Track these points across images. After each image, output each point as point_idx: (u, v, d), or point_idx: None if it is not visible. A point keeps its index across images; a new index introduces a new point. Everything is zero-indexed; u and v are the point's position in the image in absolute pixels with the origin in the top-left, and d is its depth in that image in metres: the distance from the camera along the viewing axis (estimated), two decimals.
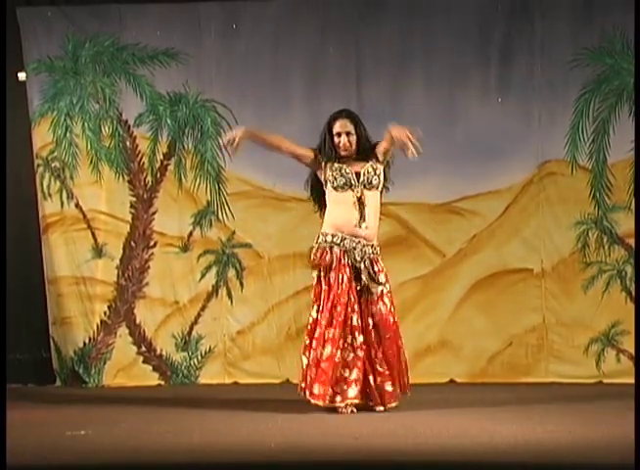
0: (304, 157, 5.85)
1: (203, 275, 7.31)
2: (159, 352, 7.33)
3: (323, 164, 5.80)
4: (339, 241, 5.74)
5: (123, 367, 7.32)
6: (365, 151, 5.83)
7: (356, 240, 5.74)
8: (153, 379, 7.31)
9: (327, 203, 5.83)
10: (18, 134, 7.26)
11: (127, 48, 7.28)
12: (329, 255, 5.71)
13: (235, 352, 7.29)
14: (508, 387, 6.91)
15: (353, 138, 5.81)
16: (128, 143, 7.34)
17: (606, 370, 7.06)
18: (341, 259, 5.70)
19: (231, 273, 7.31)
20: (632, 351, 6.97)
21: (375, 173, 5.80)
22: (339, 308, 5.64)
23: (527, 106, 7.14)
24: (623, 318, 7.03)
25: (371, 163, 5.82)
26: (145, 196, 7.34)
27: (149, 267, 7.34)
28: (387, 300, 5.73)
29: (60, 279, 7.33)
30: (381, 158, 5.83)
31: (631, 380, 6.47)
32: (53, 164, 7.34)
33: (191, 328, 7.32)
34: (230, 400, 5.70)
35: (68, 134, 7.32)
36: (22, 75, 7.32)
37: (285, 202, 7.21)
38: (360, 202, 5.73)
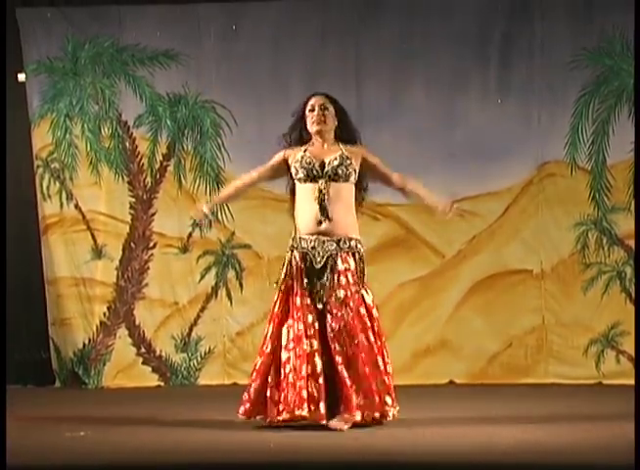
0: (278, 163, 5.34)
1: (202, 276, 7.31)
2: (158, 353, 7.32)
3: (289, 157, 5.30)
4: (296, 244, 5.24)
5: (123, 368, 7.32)
6: (344, 137, 5.31)
7: (316, 239, 5.19)
8: (152, 380, 7.31)
9: (294, 199, 5.36)
10: (17, 135, 7.26)
11: (127, 49, 7.28)
12: (286, 266, 5.22)
13: (234, 353, 7.29)
14: (507, 388, 6.91)
15: (329, 113, 5.28)
16: (128, 144, 7.34)
17: (605, 371, 7.06)
18: (298, 265, 5.20)
19: (230, 274, 7.31)
20: (632, 352, 6.97)
21: (342, 163, 5.24)
22: (292, 323, 5.16)
23: (527, 107, 7.14)
24: (623, 319, 7.03)
25: (344, 151, 5.29)
26: (144, 197, 7.34)
27: (148, 268, 7.34)
28: (352, 303, 5.15)
29: (59, 280, 7.33)
30: (356, 166, 5.30)
31: (631, 381, 6.46)
32: (52, 165, 7.34)
33: (190, 329, 7.32)
34: (229, 401, 5.69)
35: (67, 135, 7.32)
36: (21, 76, 7.32)
37: (284, 203, 7.14)
38: (321, 194, 5.19)
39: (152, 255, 7.34)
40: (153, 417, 5.70)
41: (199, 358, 7.30)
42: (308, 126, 5.32)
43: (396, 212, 7.23)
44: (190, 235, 7.32)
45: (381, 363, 5.21)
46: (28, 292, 7.35)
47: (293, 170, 5.30)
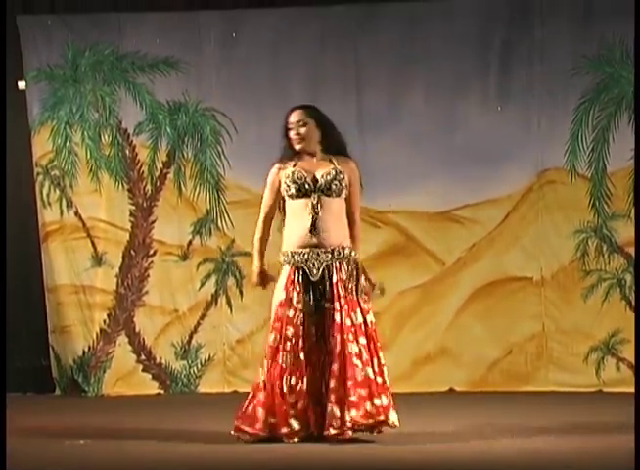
0: (277, 182, 5.19)
1: (202, 284, 7.31)
2: (158, 360, 7.32)
3: (281, 172, 5.19)
4: (288, 259, 5.15)
5: (123, 376, 7.31)
6: (332, 149, 5.20)
7: (310, 251, 5.11)
8: (152, 387, 7.30)
9: (285, 214, 5.24)
10: (17, 143, 7.26)
11: (127, 57, 7.28)
12: (281, 279, 5.13)
13: (234, 361, 7.28)
14: (507, 395, 6.90)
15: (308, 128, 5.15)
16: (128, 151, 7.34)
17: (605, 379, 7.05)
18: (297, 279, 5.11)
19: (231, 282, 7.31)
20: (632, 359, 6.96)
21: (336, 178, 5.14)
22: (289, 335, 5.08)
23: (527, 114, 7.14)
24: (623, 327, 7.02)
25: (336, 166, 5.18)
26: (144, 204, 7.34)
27: (148, 276, 7.34)
28: (337, 316, 5.04)
29: (59, 287, 7.33)
30: (347, 181, 5.20)
31: (631, 389, 6.45)
32: (52, 173, 7.35)
33: (190, 337, 7.31)
34: (229, 409, 5.68)
35: (67, 143, 7.33)
36: (21, 84, 7.33)
37: None
38: (314, 209, 5.10)
39: (152, 262, 7.34)
40: (152, 425, 5.69)
41: (199, 366, 7.30)
42: (292, 144, 5.23)
43: (396, 220, 7.23)
44: (190, 243, 7.32)
45: (371, 373, 5.07)
46: (28, 299, 7.35)
47: (284, 186, 5.18)
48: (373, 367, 5.08)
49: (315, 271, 5.13)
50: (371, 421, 5.02)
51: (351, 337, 5.05)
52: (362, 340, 5.09)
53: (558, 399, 6.68)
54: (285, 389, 5.02)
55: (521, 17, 7.14)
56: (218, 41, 7.27)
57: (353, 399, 4.96)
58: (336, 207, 5.17)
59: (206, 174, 7.29)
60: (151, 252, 7.34)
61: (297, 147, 5.19)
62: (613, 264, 7.08)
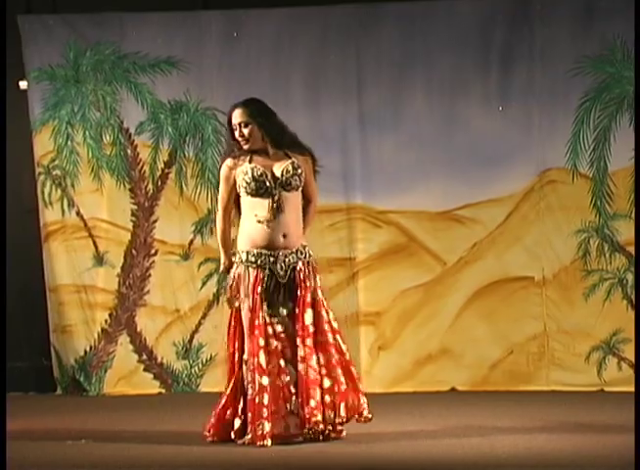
0: (232, 178, 5.14)
1: (204, 283, 7.31)
2: (159, 360, 7.32)
3: (234, 168, 5.13)
4: (253, 259, 5.10)
5: (124, 375, 7.31)
6: (280, 143, 5.11)
7: (276, 253, 5.09)
8: (154, 387, 7.30)
9: (241, 212, 5.18)
10: (19, 142, 7.26)
11: (128, 56, 7.28)
12: (244, 281, 5.10)
13: None
14: (509, 395, 6.90)
15: (252, 128, 5.09)
16: (129, 151, 7.34)
17: (607, 378, 7.05)
18: (260, 280, 5.08)
19: None
20: (633, 359, 6.95)
21: (296, 173, 5.09)
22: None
23: (528, 113, 7.14)
24: (625, 326, 7.01)
25: (294, 159, 5.12)
26: (146, 204, 7.34)
27: (150, 275, 7.34)
28: (303, 317, 5.07)
29: (61, 287, 7.33)
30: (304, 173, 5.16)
31: (632, 388, 6.45)
32: (54, 173, 7.35)
33: (192, 336, 7.31)
34: None
35: (69, 142, 7.33)
36: (23, 84, 7.33)
37: None
38: (278, 207, 5.05)
39: (153, 262, 7.34)
40: (154, 425, 5.70)
41: (200, 366, 7.30)
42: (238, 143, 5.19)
43: (398, 219, 7.22)
44: (191, 242, 7.32)
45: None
46: (30, 299, 7.35)
47: (241, 183, 5.12)
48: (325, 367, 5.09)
49: (282, 273, 5.11)
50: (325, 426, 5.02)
51: (326, 332, 5.12)
52: (331, 339, 5.16)
53: (560, 399, 6.67)
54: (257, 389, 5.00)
55: (521, 16, 7.13)
56: (220, 41, 7.26)
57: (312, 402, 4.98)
58: (294, 201, 5.14)
59: (208, 174, 7.28)
60: (152, 251, 7.34)
61: (245, 147, 5.16)
62: (614, 264, 7.07)
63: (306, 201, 5.28)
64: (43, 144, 7.33)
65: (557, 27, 7.09)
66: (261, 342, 5.06)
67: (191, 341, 7.31)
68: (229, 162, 5.21)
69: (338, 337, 5.22)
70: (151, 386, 7.29)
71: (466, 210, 7.19)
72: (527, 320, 7.13)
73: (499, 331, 7.15)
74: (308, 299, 5.13)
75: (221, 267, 5.38)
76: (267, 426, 4.95)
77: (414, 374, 7.16)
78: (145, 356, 7.31)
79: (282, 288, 5.13)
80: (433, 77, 7.19)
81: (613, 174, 7.06)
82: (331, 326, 5.21)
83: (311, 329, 5.12)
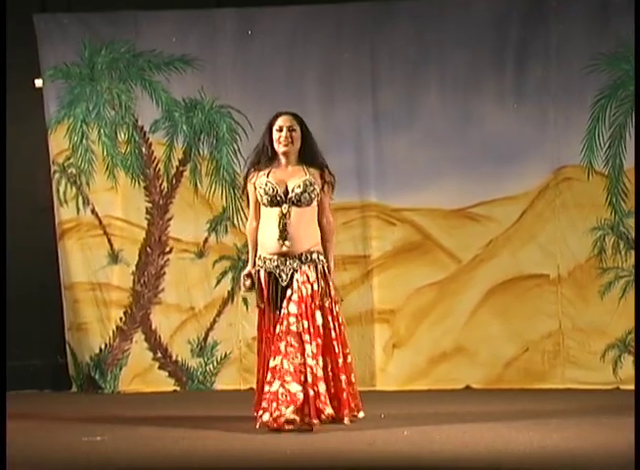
0: (253, 190, 5.50)
1: (218, 281, 7.32)
2: (174, 357, 7.33)
3: (255, 181, 5.47)
4: (261, 263, 5.49)
5: (139, 373, 7.33)
6: (307, 159, 5.45)
7: (278, 259, 5.43)
8: (168, 385, 7.32)
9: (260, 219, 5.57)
10: (34, 141, 7.29)
11: (143, 55, 7.30)
12: (251, 280, 5.51)
13: (250, 358, 7.26)
14: (524, 393, 6.89)
15: (296, 135, 5.43)
16: (144, 149, 7.36)
17: (623, 376, 7.02)
18: (268, 283, 5.45)
19: None
20: None
21: (306, 190, 5.41)
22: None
23: (543, 111, 7.12)
24: None
25: (309, 176, 5.44)
26: (160, 202, 7.35)
27: (164, 273, 7.35)
28: (292, 319, 5.33)
29: (76, 285, 7.35)
30: (319, 189, 5.45)
31: None
32: (69, 171, 7.37)
33: (206, 334, 7.32)
34: (245, 407, 5.69)
35: (84, 141, 7.35)
36: (38, 82, 7.35)
37: None
38: (284, 218, 5.39)
39: (168, 260, 7.35)
40: (168, 422, 5.70)
41: (215, 363, 7.31)
42: (275, 146, 5.45)
43: (412, 217, 7.22)
44: (206, 240, 7.33)
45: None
46: (45, 297, 7.37)
47: (258, 194, 5.48)
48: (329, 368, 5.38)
49: (284, 277, 5.42)
50: (346, 420, 5.35)
51: (307, 338, 5.31)
52: (332, 341, 5.39)
53: (575, 397, 6.65)
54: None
55: (536, 14, 7.12)
56: (234, 39, 7.27)
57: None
58: (306, 215, 5.44)
59: (222, 172, 7.29)
60: (167, 249, 7.35)
61: (282, 149, 5.43)
62: (630, 262, 7.05)
63: (319, 219, 5.53)
64: (58, 142, 7.35)
65: (572, 24, 7.08)
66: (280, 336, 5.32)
67: (205, 338, 7.32)
68: (251, 178, 5.53)
69: (337, 344, 5.42)
70: (165, 383, 7.31)
71: (480, 207, 7.18)
72: (542, 318, 7.12)
73: (514, 329, 7.13)
74: (317, 301, 5.38)
75: (248, 266, 5.61)
76: (286, 411, 5.19)
77: (429, 372, 7.16)
78: (160, 354, 7.33)
79: (283, 291, 5.41)
80: (447, 75, 7.18)
81: (628, 172, 7.04)
82: (335, 331, 5.42)
83: (321, 330, 5.36)
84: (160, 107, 7.31)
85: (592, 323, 7.07)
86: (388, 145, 7.23)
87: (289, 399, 5.22)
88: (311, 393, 5.25)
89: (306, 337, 5.30)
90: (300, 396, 5.24)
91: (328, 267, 5.49)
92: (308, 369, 5.27)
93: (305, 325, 5.32)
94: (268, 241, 5.45)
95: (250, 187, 5.54)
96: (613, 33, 7.02)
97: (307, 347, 5.29)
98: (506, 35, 7.14)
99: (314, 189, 5.43)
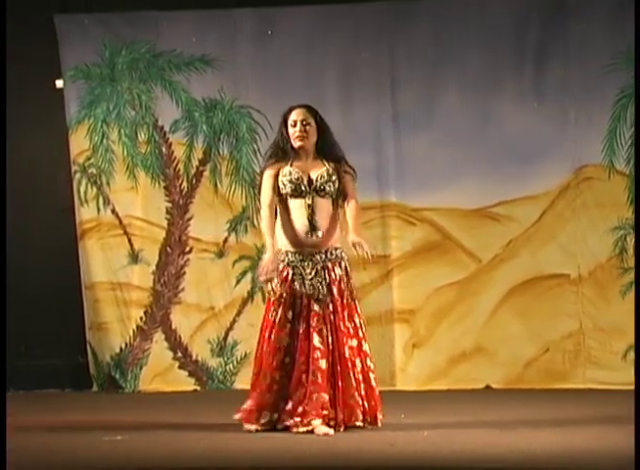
0: (274, 182, 5.34)
1: (238, 281, 7.33)
2: (194, 357, 7.35)
3: (278, 172, 5.34)
4: (282, 257, 5.31)
5: (159, 373, 7.34)
6: (325, 151, 5.34)
7: (305, 251, 5.29)
8: (189, 384, 7.33)
9: (277, 212, 5.38)
10: (55, 141, 7.32)
11: (163, 55, 7.32)
12: (281, 276, 5.29)
13: None
14: (544, 393, 6.87)
15: (311, 129, 5.31)
16: (164, 149, 7.37)
17: None
18: (292, 280, 5.29)
19: None
20: None
21: (330, 180, 5.31)
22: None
23: (563, 110, 7.10)
24: None
25: (328, 167, 5.34)
26: (180, 202, 7.37)
27: (184, 273, 7.37)
28: (340, 312, 5.26)
29: (96, 285, 7.37)
30: (339, 184, 5.34)
31: None
32: (90, 171, 7.39)
33: (226, 334, 7.33)
34: None
35: (104, 141, 7.37)
36: (59, 83, 7.38)
37: None
38: (311, 209, 5.27)
39: (188, 259, 7.37)
40: (189, 422, 5.71)
41: (235, 363, 7.32)
42: (292, 141, 5.35)
43: (432, 217, 7.21)
44: (226, 240, 7.34)
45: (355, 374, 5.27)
46: (66, 297, 7.39)
47: (280, 185, 5.33)
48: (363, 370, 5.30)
49: (309, 270, 5.29)
50: (360, 421, 5.25)
51: (346, 339, 5.25)
52: (354, 342, 5.29)
53: (596, 398, 6.63)
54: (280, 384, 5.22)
55: (556, 12, 7.10)
56: (254, 39, 7.28)
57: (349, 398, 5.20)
58: (328, 207, 5.32)
59: (242, 172, 7.30)
60: (187, 249, 7.36)
61: (298, 144, 5.32)
62: None
63: (350, 209, 5.37)
64: (79, 142, 7.38)
65: (592, 24, 7.05)
66: (287, 336, 5.26)
67: (225, 338, 7.33)
68: (271, 169, 5.37)
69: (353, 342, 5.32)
70: (186, 383, 7.32)
71: (500, 207, 7.17)
72: (563, 318, 7.09)
73: (534, 329, 7.11)
74: (337, 301, 5.29)
75: (268, 253, 5.35)
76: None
77: (448, 372, 7.15)
78: (180, 354, 7.34)
79: (309, 284, 5.29)
80: (466, 75, 7.16)
81: None
82: (351, 332, 5.32)
83: (351, 331, 5.31)
84: (180, 107, 7.33)
85: (613, 323, 7.04)
86: (407, 145, 7.22)
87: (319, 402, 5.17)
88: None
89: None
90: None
91: (347, 265, 5.37)
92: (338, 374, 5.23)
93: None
94: (294, 234, 5.29)
95: (267, 175, 5.35)
96: (633, 31, 6.97)
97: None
98: (526, 35, 7.12)
99: (336, 180, 5.33)
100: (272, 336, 5.29)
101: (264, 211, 5.39)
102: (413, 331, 7.20)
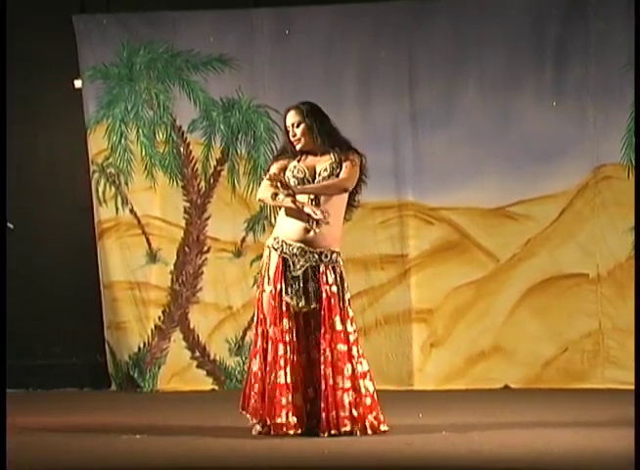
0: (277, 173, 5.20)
1: (256, 280, 7.32)
2: (212, 356, 7.36)
3: (283, 166, 5.25)
4: (277, 245, 5.17)
5: (177, 372, 7.36)
6: (327, 144, 5.18)
7: (299, 247, 5.13)
8: (207, 384, 7.34)
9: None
10: (73, 141, 7.35)
11: (181, 54, 7.33)
12: (267, 261, 5.18)
13: None
14: (563, 393, 6.84)
15: (300, 130, 5.18)
16: (182, 149, 7.39)
17: None
18: (276, 267, 5.14)
19: None
20: None
21: (333, 173, 5.14)
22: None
23: (583, 109, 7.07)
24: None
25: (335, 159, 5.18)
26: (198, 201, 7.38)
27: (202, 273, 7.38)
28: (326, 315, 5.09)
29: (115, 284, 7.39)
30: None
31: None
32: (108, 171, 7.41)
33: (244, 333, 7.34)
34: None
35: (122, 141, 7.39)
36: (77, 83, 7.41)
37: None
38: (314, 204, 5.10)
39: (206, 259, 7.38)
40: (207, 421, 5.72)
41: None
42: (292, 144, 5.27)
43: (450, 216, 7.19)
44: (243, 239, 7.35)
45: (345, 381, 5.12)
46: (84, 296, 7.42)
47: (286, 178, 5.18)
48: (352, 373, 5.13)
49: (298, 267, 5.14)
50: (348, 427, 5.08)
51: (332, 343, 5.10)
52: (343, 347, 5.12)
53: (615, 397, 6.59)
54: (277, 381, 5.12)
55: (575, 11, 7.07)
56: (271, 38, 7.28)
57: (340, 399, 5.06)
58: (337, 203, 5.17)
59: (260, 171, 7.30)
60: (205, 248, 7.37)
61: (297, 148, 5.24)
62: None
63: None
64: (97, 142, 7.40)
65: (611, 23, 7.02)
66: (275, 329, 5.14)
67: (243, 338, 7.33)
68: (277, 165, 5.29)
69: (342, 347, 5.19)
70: (204, 382, 7.33)
71: (519, 206, 7.14)
72: (581, 317, 7.07)
73: (553, 328, 7.09)
74: (332, 302, 5.13)
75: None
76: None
77: (466, 371, 7.13)
78: (198, 353, 7.35)
79: (293, 281, 5.14)
80: (485, 73, 7.15)
81: None
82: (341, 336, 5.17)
83: (342, 336, 5.15)
84: (198, 106, 7.34)
85: (632, 323, 6.98)
86: (425, 143, 7.21)
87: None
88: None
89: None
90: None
91: (342, 271, 5.21)
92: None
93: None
94: (293, 226, 5.14)
95: (275, 166, 5.24)
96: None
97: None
98: (545, 33, 7.10)
99: (340, 170, 5.16)
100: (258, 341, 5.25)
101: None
102: (431, 330, 7.19)
